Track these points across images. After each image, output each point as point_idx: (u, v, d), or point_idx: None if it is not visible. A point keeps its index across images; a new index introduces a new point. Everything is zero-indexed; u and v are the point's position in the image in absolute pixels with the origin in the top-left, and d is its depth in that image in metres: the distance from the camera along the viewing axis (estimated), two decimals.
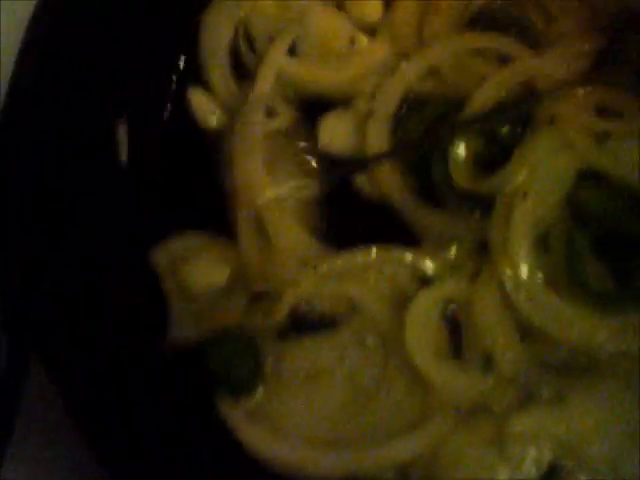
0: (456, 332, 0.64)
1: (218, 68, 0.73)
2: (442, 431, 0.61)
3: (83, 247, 0.66)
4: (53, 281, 0.63)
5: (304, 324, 0.66)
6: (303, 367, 0.65)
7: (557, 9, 0.68)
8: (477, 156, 0.66)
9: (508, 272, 0.62)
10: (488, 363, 0.62)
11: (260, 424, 0.64)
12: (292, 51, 0.72)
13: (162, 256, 0.69)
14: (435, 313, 0.64)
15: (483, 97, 0.67)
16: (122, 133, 0.71)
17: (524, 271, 0.62)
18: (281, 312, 0.65)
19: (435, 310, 0.64)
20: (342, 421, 0.63)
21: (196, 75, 0.74)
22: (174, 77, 0.75)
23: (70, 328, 0.62)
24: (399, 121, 0.68)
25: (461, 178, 0.65)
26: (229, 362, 0.64)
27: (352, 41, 0.71)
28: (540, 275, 0.63)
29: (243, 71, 0.73)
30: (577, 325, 0.61)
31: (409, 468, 0.61)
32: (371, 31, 0.72)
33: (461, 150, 0.66)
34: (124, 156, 0.71)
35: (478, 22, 0.69)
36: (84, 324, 0.63)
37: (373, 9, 0.72)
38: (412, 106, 0.69)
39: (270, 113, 0.70)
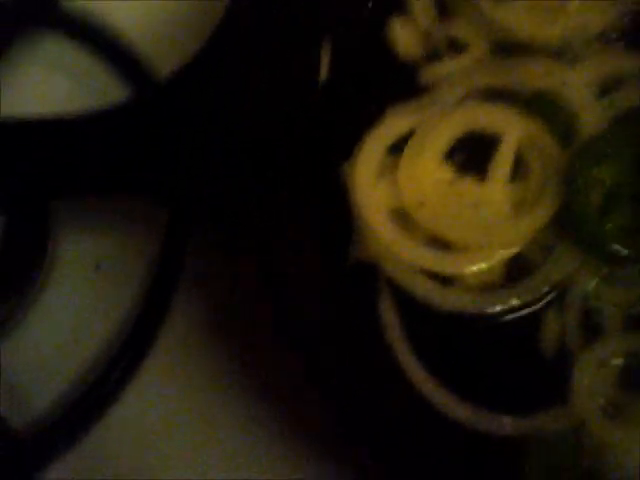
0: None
1: (421, 2, 0.75)
2: None
3: (279, 158, 0.70)
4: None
5: None
6: None
7: None
8: None
9: None
10: None
11: None
12: None
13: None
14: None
15: None
16: (324, 53, 0.75)
17: None
18: None
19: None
20: None
21: (396, 4, 0.76)
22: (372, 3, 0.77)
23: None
24: None
25: None
26: None
27: None
28: None
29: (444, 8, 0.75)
30: None
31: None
32: None
33: None
34: (324, 74, 0.75)
35: None
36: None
37: None
38: None
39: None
